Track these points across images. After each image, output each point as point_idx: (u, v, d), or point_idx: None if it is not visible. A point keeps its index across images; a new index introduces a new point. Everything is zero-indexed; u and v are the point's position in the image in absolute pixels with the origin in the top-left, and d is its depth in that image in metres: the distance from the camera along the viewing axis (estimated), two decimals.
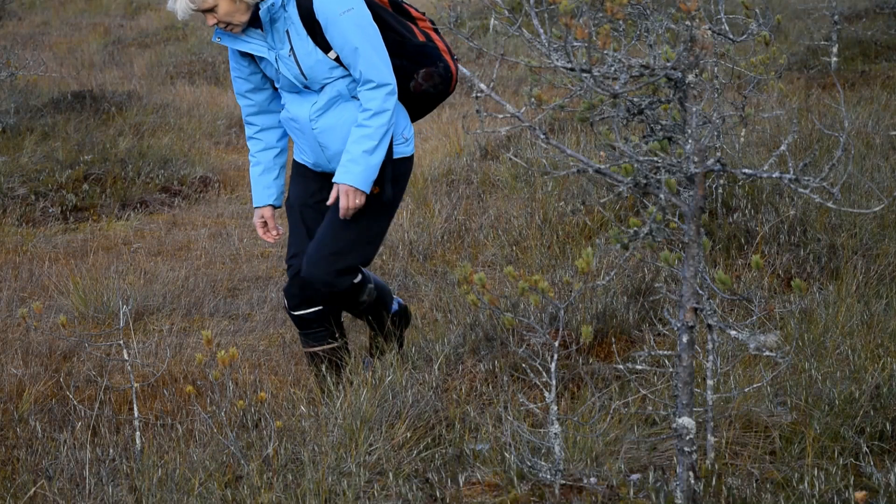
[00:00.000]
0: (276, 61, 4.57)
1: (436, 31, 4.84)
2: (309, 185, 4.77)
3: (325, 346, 4.80)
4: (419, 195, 7.90)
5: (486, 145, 8.87)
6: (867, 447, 3.90)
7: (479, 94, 3.31)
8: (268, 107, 4.81)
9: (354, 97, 4.57)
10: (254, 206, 4.91)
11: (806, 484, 3.64)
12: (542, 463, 3.74)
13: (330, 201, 4.60)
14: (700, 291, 3.37)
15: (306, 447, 4.13)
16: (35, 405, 4.88)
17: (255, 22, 4.56)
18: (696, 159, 3.25)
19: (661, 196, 3.28)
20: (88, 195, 8.69)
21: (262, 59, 4.64)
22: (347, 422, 4.19)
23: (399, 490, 3.83)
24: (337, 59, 4.53)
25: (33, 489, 4.09)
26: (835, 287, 5.28)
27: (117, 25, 17.99)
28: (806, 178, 3.24)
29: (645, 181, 3.31)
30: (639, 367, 3.96)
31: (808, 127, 7.49)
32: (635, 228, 3.37)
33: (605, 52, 3.18)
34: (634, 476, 3.75)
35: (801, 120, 7.65)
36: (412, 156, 4.75)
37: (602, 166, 3.31)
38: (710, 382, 3.78)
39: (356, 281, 4.71)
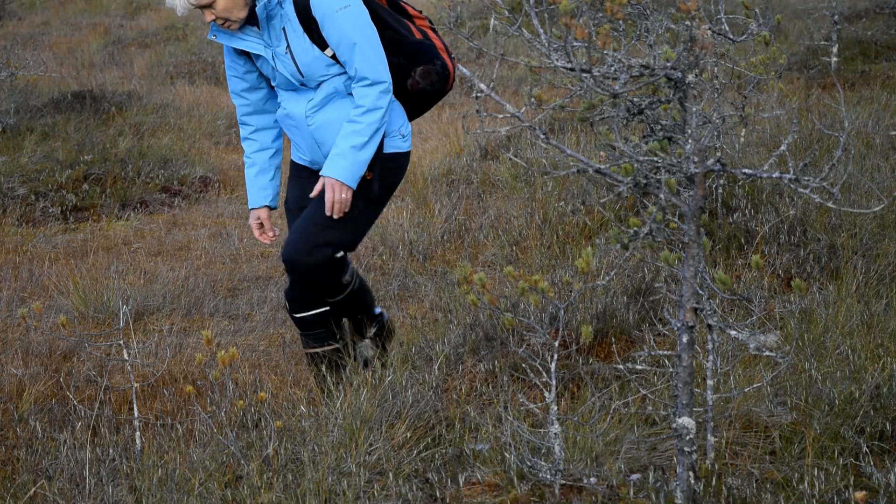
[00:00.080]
0: (273, 59, 4.57)
1: (433, 29, 4.84)
2: (307, 186, 4.76)
3: (325, 347, 4.80)
4: (419, 195, 7.90)
5: (486, 145, 8.87)
6: (867, 447, 3.90)
7: (479, 94, 3.31)
8: (263, 107, 4.80)
9: (351, 94, 4.57)
10: (249, 207, 4.89)
11: (806, 484, 3.64)
12: (542, 463, 3.74)
13: (314, 193, 4.56)
14: (700, 291, 3.37)
15: (306, 447, 4.13)
16: (35, 405, 4.88)
17: (251, 19, 4.55)
18: (696, 159, 3.25)
19: (661, 196, 3.28)
20: (88, 195, 8.69)
21: (258, 57, 4.63)
22: (347, 422, 4.19)
23: (399, 490, 3.83)
24: (333, 57, 4.52)
25: (33, 489, 4.09)
26: (835, 287, 5.28)
27: (117, 25, 17.99)
28: (806, 178, 3.24)
29: (645, 181, 3.31)
30: (639, 367, 3.96)
31: (808, 127, 7.49)
32: (635, 228, 3.37)
33: (605, 52, 3.18)
34: (634, 476, 3.75)
35: (801, 120, 7.65)
36: (408, 152, 4.72)
37: (602, 166, 3.31)
38: (710, 382, 3.78)
39: (337, 256, 4.60)
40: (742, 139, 7.17)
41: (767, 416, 4.14)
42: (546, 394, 3.74)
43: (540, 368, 3.88)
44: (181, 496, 3.91)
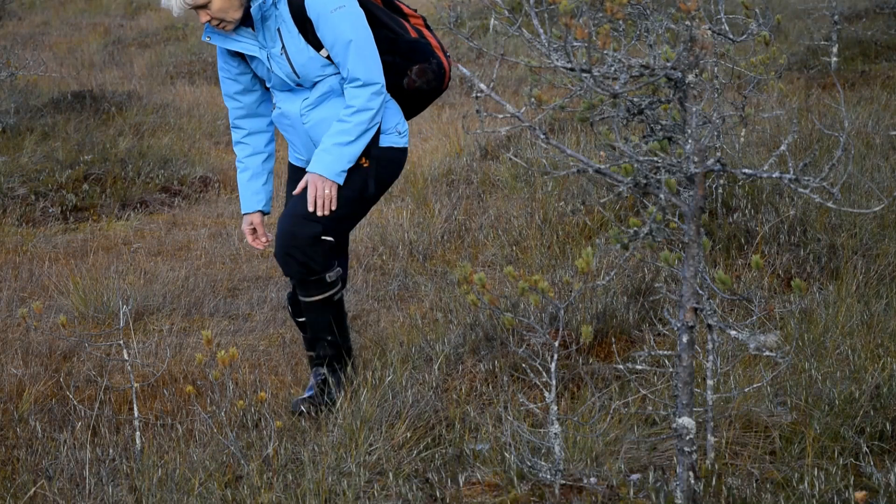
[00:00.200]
0: (268, 60, 4.55)
1: (427, 27, 4.82)
2: None
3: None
4: (419, 195, 7.90)
5: (486, 145, 8.87)
6: (867, 447, 3.90)
7: (479, 94, 3.31)
8: (256, 110, 4.75)
9: None
10: (242, 212, 4.83)
11: (806, 484, 3.64)
12: (542, 463, 3.74)
13: (296, 191, 4.53)
14: (700, 291, 3.37)
15: (306, 447, 4.13)
16: (35, 405, 4.88)
17: (246, 21, 4.53)
18: (696, 159, 3.25)
19: (661, 196, 3.28)
20: (88, 195, 8.69)
21: (253, 58, 4.60)
22: (347, 422, 4.19)
23: (399, 490, 3.83)
24: (329, 58, 4.50)
25: (33, 489, 4.09)
26: (835, 287, 5.28)
27: (117, 25, 17.99)
28: (806, 178, 3.24)
29: (645, 181, 3.31)
30: (639, 367, 3.96)
31: (808, 127, 7.49)
32: (635, 228, 3.37)
33: (605, 52, 3.18)
34: (634, 476, 3.75)
35: (801, 120, 7.65)
36: (405, 149, 4.69)
37: (602, 166, 3.31)
38: (710, 382, 3.78)
39: (324, 238, 4.49)
40: (742, 139, 7.17)
41: (767, 416, 4.14)
42: (546, 394, 3.74)
43: (540, 368, 3.88)
44: (181, 496, 3.91)
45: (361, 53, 4.45)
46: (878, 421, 4.04)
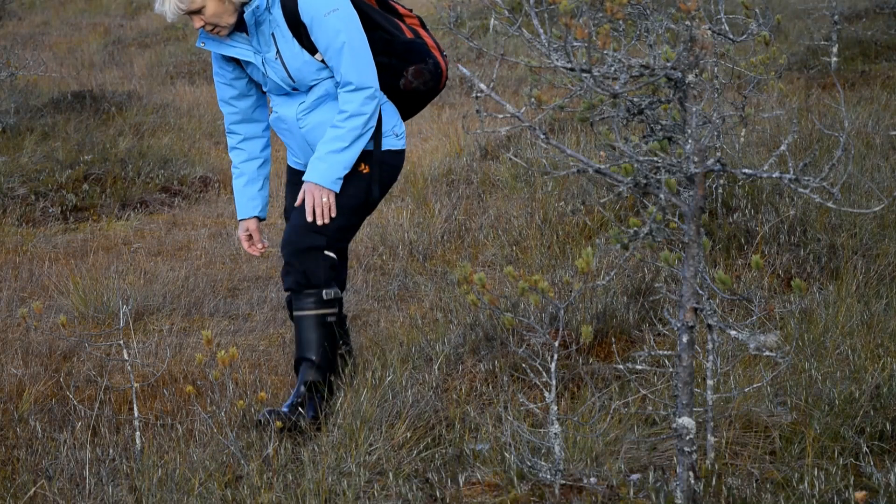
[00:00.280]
0: (263, 65, 4.52)
1: (423, 26, 4.81)
2: None
3: None
4: (419, 195, 7.90)
5: (486, 145, 8.87)
6: (867, 447, 3.90)
7: (479, 94, 3.31)
8: (251, 115, 4.73)
9: None
10: (238, 218, 4.81)
11: (806, 484, 3.64)
12: (542, 463, 3.74)
13: (297, 203, 4.52)
14: (700, 291, 3.37)
15: (306, 447, 4.13)
16: (35, 405, 4.88)
17: (240, 26, 4.50)
18: (696, 159, 3.25)
19: (661, 196, 3.28)
20: (88, 195, 8.69)
21: (248, 63, 4.58)
22: (347, 422, 4.19)
23: (399, 490, 3.83)
24: (324, 61, 4.48)
25: (33, 489, 4.09)
26: (835, 287, 5.28)
27: (117, 25, 17.99)
28: (806, 178, 3.24)
29: (645, 181, 3.31)
30: (639, 367, 3.96)
31: (808, 127, 7.49)
32: (635, 228, 3.37)
33: (605, 52, 3.18)
34: (634, 476, 3.75)
35: (801, 120, 7.65)
36: (403, 150, 4.68)
37: (602, 166, 3.31)
38: (710, 382, 3.78)
39: (326, 252, 4.47)
40: (742, 139, 7.17)
41: (767, 416, 4.14)
42: (546, 394, 3.74)
43: (540, 368, 3.88)
44: (181, 496, 3.91)
45: (354, 57, 4.42)
46: (878, 421, 4.04)
